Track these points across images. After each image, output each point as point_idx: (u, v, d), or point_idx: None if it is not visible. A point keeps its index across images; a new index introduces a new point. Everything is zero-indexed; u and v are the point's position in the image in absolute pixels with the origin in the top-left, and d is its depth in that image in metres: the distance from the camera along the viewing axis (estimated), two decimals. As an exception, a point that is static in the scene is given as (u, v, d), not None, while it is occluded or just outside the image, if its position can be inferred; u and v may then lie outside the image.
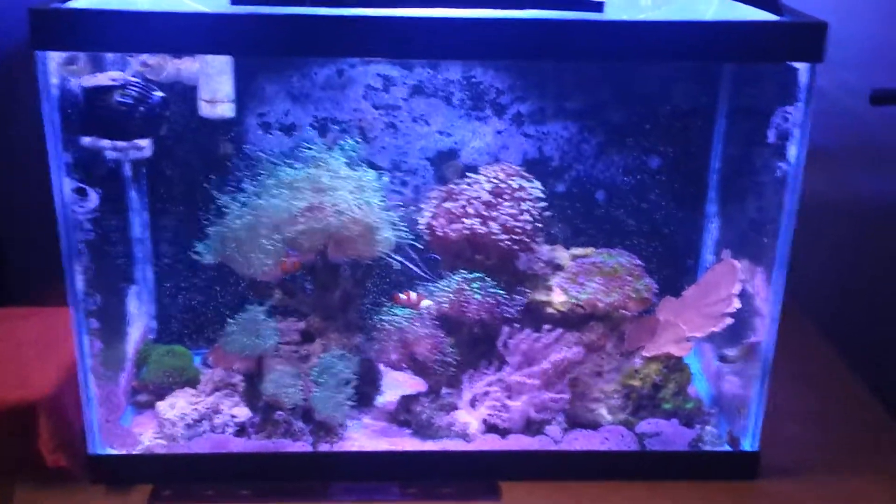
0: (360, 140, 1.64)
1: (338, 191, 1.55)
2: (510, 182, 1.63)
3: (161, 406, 1.61)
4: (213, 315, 1.83)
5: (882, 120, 1.97)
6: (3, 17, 1.83)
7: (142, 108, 1.41)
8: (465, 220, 1.61)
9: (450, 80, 1.73)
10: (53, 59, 1.32)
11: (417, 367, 1.61)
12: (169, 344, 1.79)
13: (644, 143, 1.78)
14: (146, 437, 1.58)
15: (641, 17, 1.38)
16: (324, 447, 1.56)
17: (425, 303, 1.62)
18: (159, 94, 1.44)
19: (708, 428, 1.59)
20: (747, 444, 1.56)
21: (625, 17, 1.34)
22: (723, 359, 1.58)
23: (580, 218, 1.82)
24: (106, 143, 1.52)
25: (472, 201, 1.62)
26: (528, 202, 1.63)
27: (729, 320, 1.55)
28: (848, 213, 2.07)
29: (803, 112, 1.38)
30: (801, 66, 1.36)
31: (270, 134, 1.75)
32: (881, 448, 1.64)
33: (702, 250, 1.83)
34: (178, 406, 1.59)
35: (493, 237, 1.59)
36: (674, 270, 1.84)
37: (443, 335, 1.60)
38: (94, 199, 1.37)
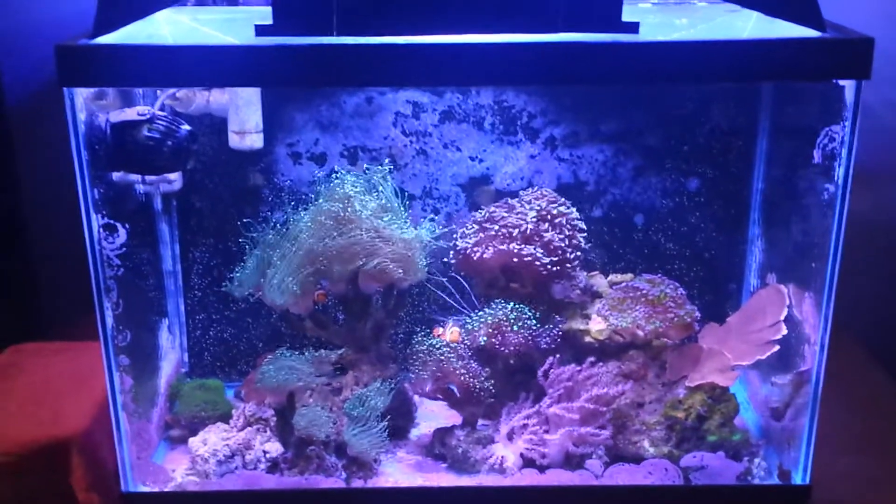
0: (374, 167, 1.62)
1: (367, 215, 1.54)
2: (551, 209, 1.60)
3: (193, 442, 1.59)
4: (246, 347, 1.82)
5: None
6: (30, 54, 1.84)
7: (170, 142, 1.39)
8: (502, 246, 1.57)
9: (480, 105, 1.70)
10: (81, 95, 1.32)
11: (452, 398, 1.57)
12: (201, 377, 1.78)
13: (683, 165, 1.73)
14: (178, 473, 1.56)
15: (677, 36, 1.33)
16: (357, 483, 1.53)
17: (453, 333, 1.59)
18: (187, 127, 1.43)
19: (757, 460, 1.53)
20: (798, 477, 1.50)
21: (661, 37, 1.30)
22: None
23: (618, 243, 1.78)
24: (135, 177, 1.51)
25: (510, 227, 1.59)
26: (569, 227, 1.59)
27: (776, 347, 1.50)
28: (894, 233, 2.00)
29: (850, 130, 1.33)
30: (847, 84, 1.31)
31: (300, 164, 1.73)
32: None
33: (745, 275, 1.78)
34: (210, 442, 1.56)
35: (535, 261, 1.55)
36: (717, 296, 1.78)
37: (479, 365, 1.56)
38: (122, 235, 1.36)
